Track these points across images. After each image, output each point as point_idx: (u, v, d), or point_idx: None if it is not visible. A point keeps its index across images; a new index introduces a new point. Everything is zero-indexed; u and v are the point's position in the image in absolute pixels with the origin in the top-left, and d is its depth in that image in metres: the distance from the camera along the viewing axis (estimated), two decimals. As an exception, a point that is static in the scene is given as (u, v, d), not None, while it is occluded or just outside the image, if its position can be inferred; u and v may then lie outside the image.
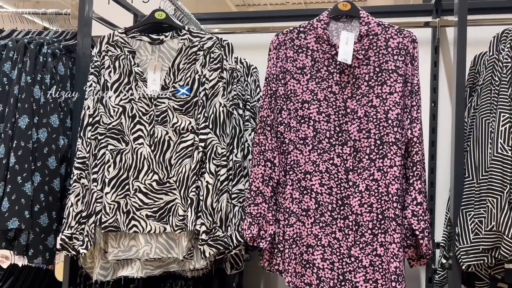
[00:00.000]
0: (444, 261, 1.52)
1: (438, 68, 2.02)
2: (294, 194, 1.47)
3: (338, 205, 1.45)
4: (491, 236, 1.31)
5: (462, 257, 1.39)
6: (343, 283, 1.41)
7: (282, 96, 1.50)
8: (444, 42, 2.04)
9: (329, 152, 1.47)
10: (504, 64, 1.38)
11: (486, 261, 1.34)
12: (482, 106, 1.44)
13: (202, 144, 1.54)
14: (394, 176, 1.40)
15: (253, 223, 1.48)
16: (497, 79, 1.39)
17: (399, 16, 2.02)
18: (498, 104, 1.37)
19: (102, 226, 1.52)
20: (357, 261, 1.42)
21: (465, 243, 1.39)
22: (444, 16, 1.99)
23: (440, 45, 2.03)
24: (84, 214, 1.54)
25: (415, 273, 2.00)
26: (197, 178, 1.53)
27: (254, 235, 1.47)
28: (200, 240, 1.50)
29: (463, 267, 1.38)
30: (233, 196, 1.57)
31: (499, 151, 1.33)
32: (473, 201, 1.40)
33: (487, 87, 1.43)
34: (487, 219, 1.33)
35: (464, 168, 1.45)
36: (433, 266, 1.85)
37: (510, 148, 1.32)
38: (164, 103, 1.61)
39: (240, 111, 1.73)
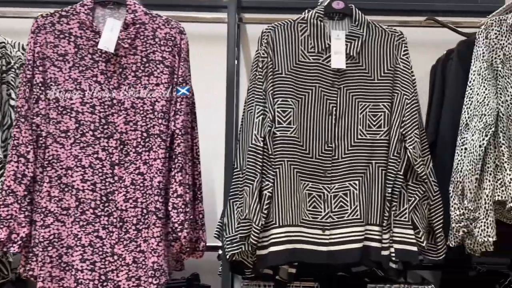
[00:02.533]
0: (220, 252, 1.55)
1: (239, 63, 2.06)
2: (53, 192, 1.35)
3: (103, 201, 1.37)
4: (246, 224, 1.36)
5: (227, 246, 1.42)
6: (105, 284, 1.34)
7: (40, 85, 1.37)
8: (244, 38, 2.10)
9: (93, 145, 1.38)
10: (261, 59, 1.44)
11: (244, 249, 1.38)
12: (249, 99, 1.48)
13: None
14: (157, 169, 1.37)
15: (2, 226, 1.33)
16: (257, 73, 1.44)
17: (199, 11, 2.01)
18: (255, 97, 1.42)
19: None
20: (121, 259, 1.36)
21: (231, 233, 1.42)
22: (244, 13, 2.04)
23: (240, 41, 2.08)
24: None
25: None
26: None
27: (3, 239, 1.32)
28: None
29: (227, 256, 1.41)
30: (-12, 197, 1.39)
31: (253, 142, 1.38)
32: (239, 191, 1.44)
33: (252, 82, 1.48)
34: (243, 208, 1.37)
35: (234, 160, 1.49)
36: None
37: (262, 139, 1.38)
38: None
39: (12, 102, 1.55)
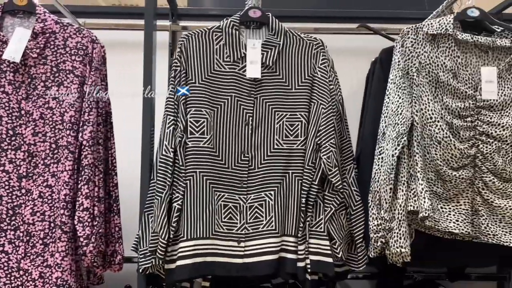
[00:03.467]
0: (140, 264, 1.51)
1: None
2: (-45, 206, 1.32)
3: (9, 215, 1.34)
4: (154, 237, 1.33)
5: (140, 259, 1.38)
6: (9, 300, 1.30)
7: None
8: (181, 47, 2.07)
9: (0, 158, 1.35)
10: (173, 68, 1.42)
11: (154, 263, 1.35)
12: (165, 109, 1.44)
13: None
14: (64, 181, 1.33)
15: None
16: (170, 83, 1.42)
17: (135, 18, 1.98)
18: (167, 107, 1.40)
19: None
20: (27, 274, 1.32)
21: (144, 246, 1.38)
22: (180, 21, 2.02)
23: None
24: None
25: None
26: None
27: None
28: None
29: (140, 270, 1.38)
30: None
31: (163, 153, 1.36)
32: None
33: (168, 91, 1.45)
34: (154, 221, 1.34)
35: (150, 171, 1.45)
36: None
37: (172, 150, 1.36)
38: None
39: None
